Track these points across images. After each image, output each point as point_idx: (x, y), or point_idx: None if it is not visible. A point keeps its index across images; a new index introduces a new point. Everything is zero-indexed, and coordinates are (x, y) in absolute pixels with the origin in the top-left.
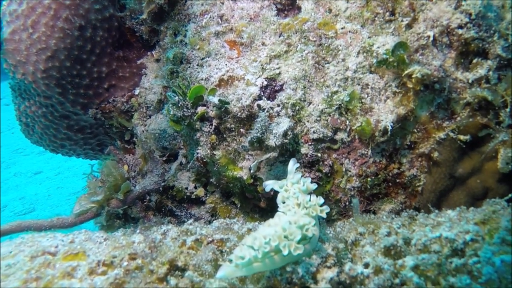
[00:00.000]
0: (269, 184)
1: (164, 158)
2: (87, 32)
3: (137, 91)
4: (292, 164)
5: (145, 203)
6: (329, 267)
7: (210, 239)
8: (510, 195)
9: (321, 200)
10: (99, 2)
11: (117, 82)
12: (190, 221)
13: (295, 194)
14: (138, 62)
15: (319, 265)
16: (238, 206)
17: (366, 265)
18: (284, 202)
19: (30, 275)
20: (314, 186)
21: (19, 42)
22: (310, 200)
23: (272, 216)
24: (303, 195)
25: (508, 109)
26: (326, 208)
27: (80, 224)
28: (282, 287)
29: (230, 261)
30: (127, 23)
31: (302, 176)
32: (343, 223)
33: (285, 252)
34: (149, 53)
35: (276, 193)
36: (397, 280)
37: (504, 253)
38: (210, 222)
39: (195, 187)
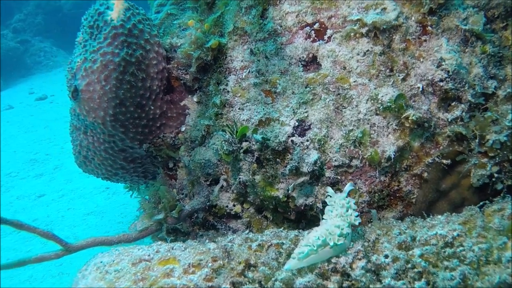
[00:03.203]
0: (330, 191)
1: (208, 183)
2: (147, 83)
3: (183, 128)
4: (348, 186)
5: (192, 220)
6: (360, 259)
7: (269, 244)
8: (481, 203)
9: (356, 213)
10: (155, 58)
11: (167, 121)
12: (247, 231)
13: (337, 207)
14: (181, 103)
15: (353, 257)
16: (270, 219)
17: (386, 256)
18: (327, 213)
19: (137, 277)
20: (352, 205)
21: (93, 92)
22: (347, 211)
23: (299, 225)
24: (343, 208)
25: (477, 140)
26: (358, 219)
27: (142, 238)
28: (329, 273)
29: (293, 258)
30: (174, 73)
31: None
32: (364, 227)
33: (331, 243)
34: (189, 96)
35: (305, 207)
36: (409, 265)
37: (480, 243)
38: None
39: (234, 205)
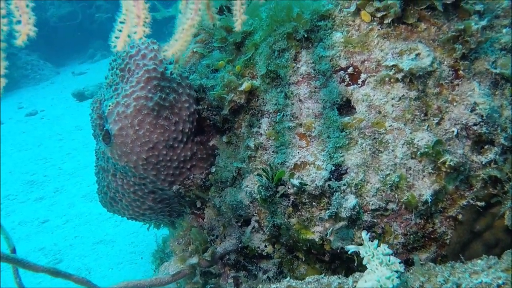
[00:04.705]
0: (352, 248)
1: (239, 224)
2: (180, 126)
3: (213, 169)
4: (365, 234)
5: (223, 261)
6: None
7: None
8: None
9: (398, 260)
10: (187, 100)
11: (197, 162)
12: (288, 278)
13: (378, 256)
14: (210, 144)
15: None
16: (302, 260)
17: None
18: (368, 263)
19: None
20: (390, 251)
21: (126, 137)
22: (389, 260)
23: (332, 265)
24: (384, 256)
25: (511, 183)
26: (403, 265)
27: (174, 281)
28: None
29: None
30: (203, 114)
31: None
32: (405, 273)
33: None
34: (218, 136)
35: (341, 250)
36: None
37: None
38: (277, 273)
39: (265, 246)
